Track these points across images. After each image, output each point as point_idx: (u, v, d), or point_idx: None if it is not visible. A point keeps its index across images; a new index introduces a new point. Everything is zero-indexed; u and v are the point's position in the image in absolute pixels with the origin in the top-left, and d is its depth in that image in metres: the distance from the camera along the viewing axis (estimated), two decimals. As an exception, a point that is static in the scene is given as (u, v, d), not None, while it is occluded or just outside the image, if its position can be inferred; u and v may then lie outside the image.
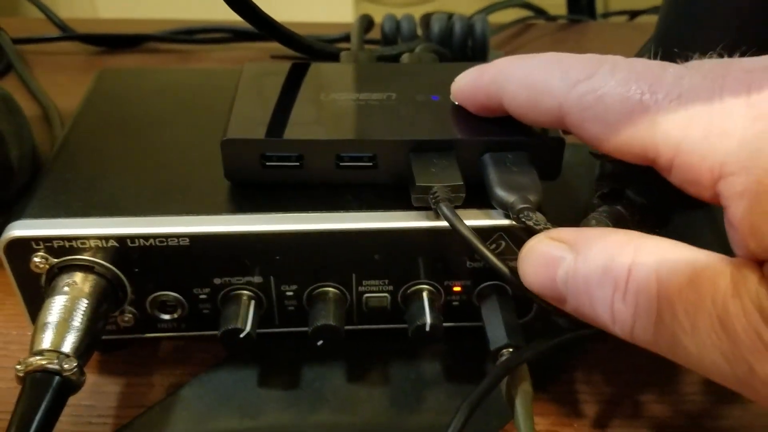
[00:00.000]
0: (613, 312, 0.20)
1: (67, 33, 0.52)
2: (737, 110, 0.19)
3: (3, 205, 0.36)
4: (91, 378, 0.27)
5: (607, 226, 0.24)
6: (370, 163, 0.26)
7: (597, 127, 0.22)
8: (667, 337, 0.19)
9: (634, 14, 0.59)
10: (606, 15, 0.59)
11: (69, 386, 0.23)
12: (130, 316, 0.27)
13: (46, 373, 0.22)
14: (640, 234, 0.21)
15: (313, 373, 0.27)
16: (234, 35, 0.52)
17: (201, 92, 0.34)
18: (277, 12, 0.36)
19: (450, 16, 0.44)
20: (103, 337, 0.27)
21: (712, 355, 0.18)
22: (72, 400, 0.23)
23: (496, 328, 0.25)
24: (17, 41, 0.52)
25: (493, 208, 0.25)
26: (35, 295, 0.26)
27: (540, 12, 0.54)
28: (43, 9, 0.52)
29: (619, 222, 0.24)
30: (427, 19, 0.45)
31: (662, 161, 0.21)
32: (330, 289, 0.27)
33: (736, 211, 0.19)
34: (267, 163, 0.26)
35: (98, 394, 0.27)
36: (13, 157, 0.38)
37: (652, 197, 0.26)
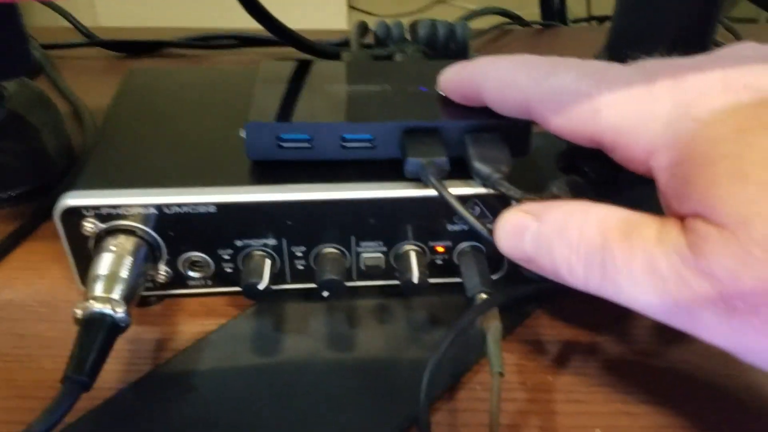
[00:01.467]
0: (569, 265, 0.24)
1: (92, 40, 0.55)
2: (663, 98, 0.23)
3: (42, 191, 0.39)
4: (131, 328, 0.30)
5: (566, 192, 0.27)
6: (369, 144, 0.30)
7: (555, 116, 0.26)
8: (610, 282, 0.23)
9: (602, 20, 0.63)
10: (576, 21, 0.63)
11: (118, 326, 0.26)
12: (165, 273, 0.30)
13: (100, 314, 0.26)
14: (589, 202, 0.24)
15: (320, 321, 0.31)
16: (242, 41, 0.56)
17: (221, 87, 0.37)
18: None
19: (434, 22, 0.47)
20: (142, 294, 0.30)
21: (645, 293, 0.22)
22: (116, 346, 0.26)
23: (472, 278, 0.29)
24: (46, 47, 0.55)
25: (471, 179, 0.29)
26: (83, 257, 0.29)
27: (516, 18, 0.58)
28: (69, 18, 0.55)
29: (576, 190, 0.27)
30: (414, 25, 0.48)
31: (606, 143, 0.25)
32: (333, 249, 0.30)
33: (662, 180, 0.23)
34: (282, 144, 0.29)
35: (138, 341, 0.30)
36: (50, 148, 0.42)
37: (603, 172, 0.29)
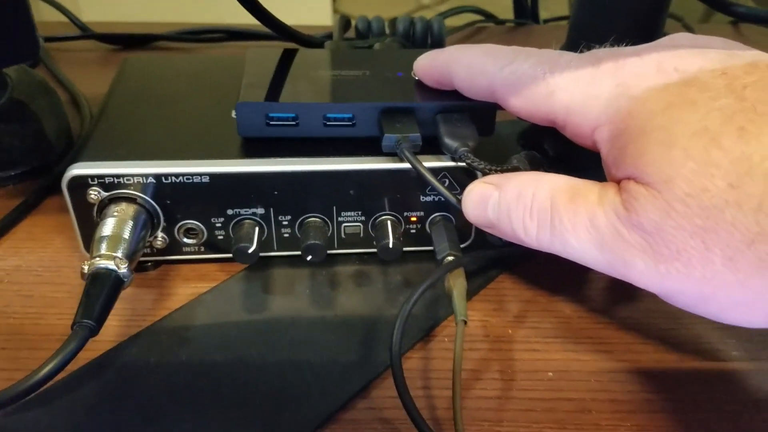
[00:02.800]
0: (524, 226, 0.27)
1: (87, 33, 0.57)
2: (606, 80, 0.26)
3: (43, 170, 0.42)
4: (130, 290, 0.33)
5: (525, 165, 0.30)
6: (350, 122, 0.32)
7: (515, 98, 0.29)
8: (559, 239, 0.26)
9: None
10: (547, 21, 0.66)
11: (121, 281, 0.29)
12: (162, 240, 0.33)
13: (105, 269, 0.28)
14: (542, 173, 0.27)
15: (304, 284, 0.33)
16: (229, 35, 0.58)
17: (212, 73, 0.40)
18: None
19: (413, 18, 0.50)
20: (140, 259, 0.33)
21: (588, 248, 0.25)
22: (116, 306, 0.28)
23: (441, 243, 0.32)
24: (43, 39, 0.57)
25: (442, 154, 0.32)
26: (87, 224, 0.32)
27: (490, 16, 0.61)
28: (66, 12, 0.58)
29: (534, 163, 0.30)
30: (393, 21, 0.51)
31: (558, 121, 0.28)
32: (316, 219, 0.33)
33: (604, 151, 0.26)
34: (269, 122, 0.32)
35: (136, 300, 0.32)
36: (50, 131, 0.44)
37: (558, 148, 0.32)
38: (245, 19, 0.47)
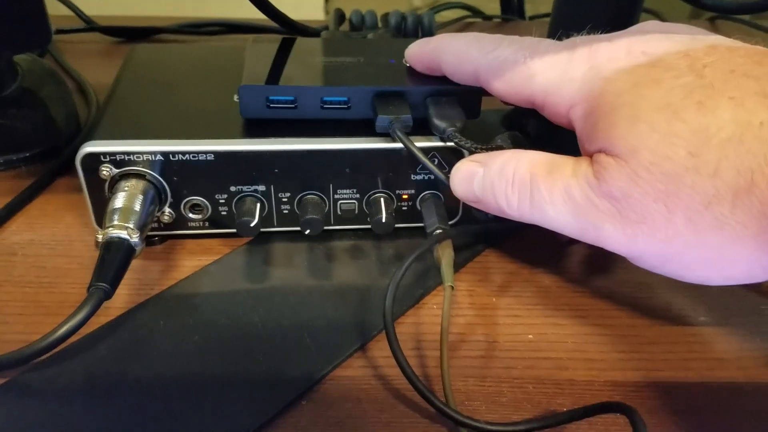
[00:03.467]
0: (507, 199, 0.29)
1: (92, 26, 0.59)
2: (580, 63, 0.28)
3: (52, 153, 0.43)
4: (138, 262, 0.35)
5: (508, 144, 0.32)
6: (345, 105, 0.34)
7: (498, 82, 0.31)
8: (538, 209, 0.28)
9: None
10: (533, 17, 0.68)
11: (132, 249, 0.30)
12: (169, 215, 0.35)
13: (118, 238, 0.30)
14: (522, 150, 0.29)
15: (302, 257, 0.35)
16: (228, 28, 0.60)
17: (214, 61, 0.41)
18: (256, 10, 0.45)
19: (404, 13, 0.52)
20: (148, 234, 0.34)
21: (565, 216, 0.27)
22: (126, 276, 0.30)
23: (431, 217, 0.34)
24: (50, 32, 0.59)
25: (431, 135, 0.34)
26: (99, 199, 0.33)
27: (478, 12, 0.63)
28: (71, 6, 0.59)
29: (516, 142, 0.32)
30: (386, 15, 0.53)
31: (537, 102, 0.30)
32: (314, 195, 0.35)
33: (578, 128, 0.28)
34: (270, 104, 0.34)
35: (144, 271, 0.34)
36: (59, 117, 0.46)
37: (538, 128, 0.34)
38: (242, 13, 0.49)
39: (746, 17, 0.62)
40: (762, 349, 0.30)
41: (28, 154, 0.42)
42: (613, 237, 0.25)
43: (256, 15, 0.57)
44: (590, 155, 0.26)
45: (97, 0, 0.61)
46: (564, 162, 0.27)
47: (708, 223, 0.23)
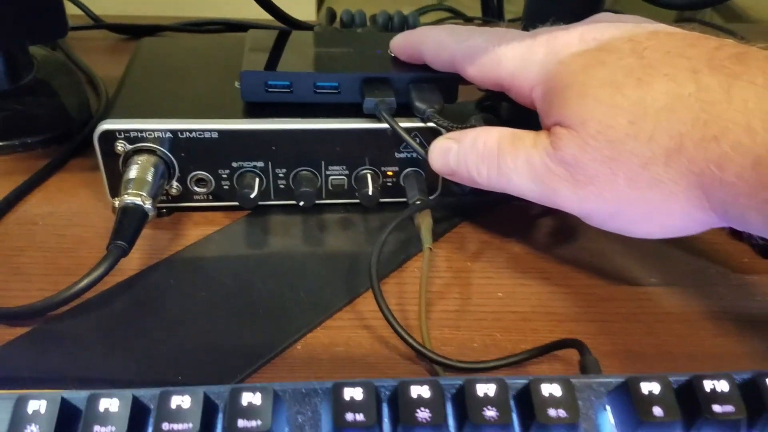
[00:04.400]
0: (478, 170, 0.32)
1: (99, 23, 0.62)
2: (540, 49, 0.31)
3: (65, 137, 0.46)
4: (148, 230, 0.37)
5: (481, 124, 0.36)
6: (336, 90, 0.37)
7: (471, 68, 0.34)
8: (505, 177, 0.31)
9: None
10: (512, 20, 0.71)
11: (146, 215, 0.34)
12: (176, 188, 0.38)
13: (133, 203, 0.33)
14: (491, 126, 0.33)
15: (297, 227, 0.38)
16: (227, 27, 0.63)
17: (216, 51, 0.45)
18: (254, 11, 0.48)
19: (390, 14, 0.56)
20: (158, 205, 0.37)
21: (527, 182, 0.30)
22: (138, 242, 0.33)
23: (412, 190, 0.37)
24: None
25: (413, 116, 0.37)
26: (113, 174, 0.36)
27: (459, 14, 0.67)
28: (80, 5, 0.62)
29: (488, 122, 0.36)
30: (374, 15, 0.57)
31: (505, 85, 0.33)
32: (307, 171, 0.38)
33: (538, 106, 0.31)
34: (268, 89, 0.37)
35: (154, 239, 0.37)
36: (71, 104, 0.49)
37: (509, 110, 0.38)
38: (240, 14, 0.53)
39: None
40: (704, 305, 0.34)
41: (43, 138, 0.45)
42: (567, 198, 0.29)
43: (252, 16, 0.60)
44: (548, 128, 0.30)
45: (105, 0, 0.64)
46: (526, 135, 0.31)
47: (646, 181, 0.26)
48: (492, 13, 0.65)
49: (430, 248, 0.33)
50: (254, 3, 0.54)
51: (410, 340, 0.29)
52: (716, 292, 0.35)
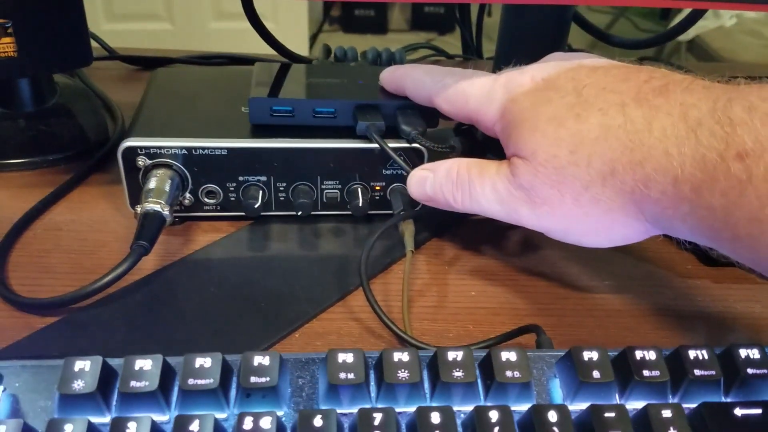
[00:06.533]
0: (453, 196, 0.36)
1: (113, 54, 0.66)
2: (499, 90, 0.35)
3: (85, 155, 0.50)
4: (163, 237, 0.41)
5: (459, 144, 0.40)
6: (332, 115, 0.41)
7: (444, 104, 0.38)
8: (476, 201, 0.35)
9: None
10: (489, 58, 0.76)
11: (164, 220, 0.37)
12: (189, 200, 0.42)
13: (152, 210, 0.37)
14: (461, 158, 0.37)
15: (295, 234, 0.42)
16: (231, 60, 0.67)
17: (225, 81, 0.49)
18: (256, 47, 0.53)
19: (380, 51, 0.61)
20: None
21: (494, 205, 0.34)
22: (154, 247, 0.36)
23: (397, 202, 0.41)
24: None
25: (399, 137, 0.41)
26: (134, 185, 0.40)
27: (442, 52, 0.72)
28: (96, 38, 0.66)
29: (465, 143, 0.40)
30: (364, 52, 0.61)
31: (473, 120, 0.37)
32: (305, 185, 0.42)
33: (501, 139, 0.36)
34: (272, 113, 0.41)
35: (169, 243, 0.41)
36: (90, 126, 0.53)
37: (483, 135, 0.42)
38: (244, 49, 0.57)
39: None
40: (650, 304, 0.38)
41: (65, 155, 0.49)
42: (527, 217, 0.33)
43: (255, 51, 0.65)
44: (509, 158, 0.34)
45: (118, 34, 0.68)
46: (491, 165, 0.35)
47: (588, 200, 0.31)
48: (471, 52, 0.70)
49: (412, 251, 0.37)
50: (256, 39, 0.59)
51: (394, 328, 0.33)
52: (661, 293, 0.39)
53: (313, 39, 2.16)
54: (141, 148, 0.39)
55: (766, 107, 0.25)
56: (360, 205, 0.41)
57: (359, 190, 0.42)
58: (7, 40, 0.43)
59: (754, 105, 0.25)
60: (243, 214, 0.42)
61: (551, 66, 0.34)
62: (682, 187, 0.27)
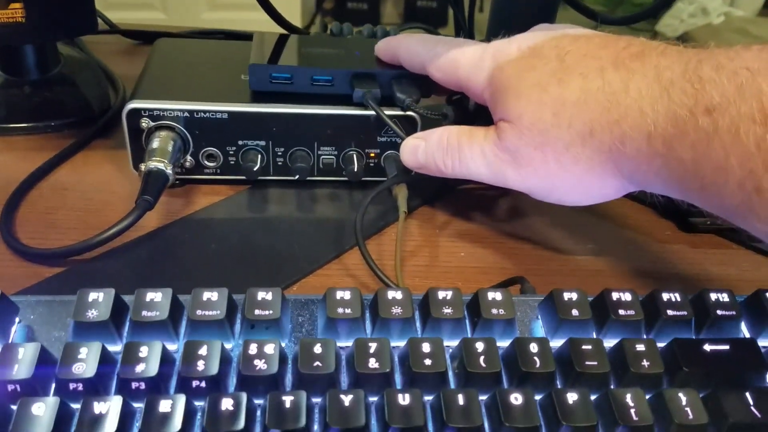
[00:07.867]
0: (443, 162, 0.38)
1: (113, 29, 0.67)
2: (487, 58, 0.37)
3: (88, 121, 0.51)
4: (165, 197, 0.42)
5: (451, 111, 0.42)
6: (330, 83, 0.43)
7: (436, 71, 0.40)
8: (465, 166, 0.37)
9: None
10: (482, 40, 0.78)
11: (167, 178, 0.39)
12: (190, 162, 0.43)
13: (156, 168, 0.38)
14: (450, 126, 0.38)
15: (292, 198, 0.44)
16: (227, 35, 0.68)
17: (225, 51, 0.50)
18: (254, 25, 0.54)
19: (374, 29, 0.62)
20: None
21: (482, 168, 0.36)
22: (156, 206, 0.38)
23: (391, 168, 0.43)
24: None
25: (394, 105, 0.43)
26: (137, 147, 0.42)
27: (433, 32, 0.74)
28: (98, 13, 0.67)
29: (456, 111, 0.42)
30: (360, 30, 0.63)
31: (463, 87, 0.39)
32: (302, 151, 0.43)
33: (488, 104, 0.37)
34: (272, 80, 0.42)
35: (170, 204, 0.42)
36: (93, 94, 0.54)
37: (473, 103, 0.44)
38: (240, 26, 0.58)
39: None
40: (630, 266, 0.40)
41: (70, 121, 0.50)
42: (513, 178, 0.35)
43: (251, 28, 0.66)
44: (496, 123, 0.36)
45: (118, 9, 0.69)
46: (479, 130, 0.37)
47: (569, 160, 0.32)
48: (464, 32, 0.72)
49: (405, 212, 0.39)
50: (248, 29, 0.60)
51: (387, 281, 0.35)
52: (641, 256, 0.41)
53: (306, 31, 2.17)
54: (145, 110, 0.40)
55: (732, 66, 0.26)
56: (355, 170, 0.43)
57: (355, 156, 0.44)
58: (16, 5, 0.44)
59: (722, 64, 0.27)
60: (242, 177, 0.43)
61: (537, 35, 0.35)
62: (655, 143, 0.29)
